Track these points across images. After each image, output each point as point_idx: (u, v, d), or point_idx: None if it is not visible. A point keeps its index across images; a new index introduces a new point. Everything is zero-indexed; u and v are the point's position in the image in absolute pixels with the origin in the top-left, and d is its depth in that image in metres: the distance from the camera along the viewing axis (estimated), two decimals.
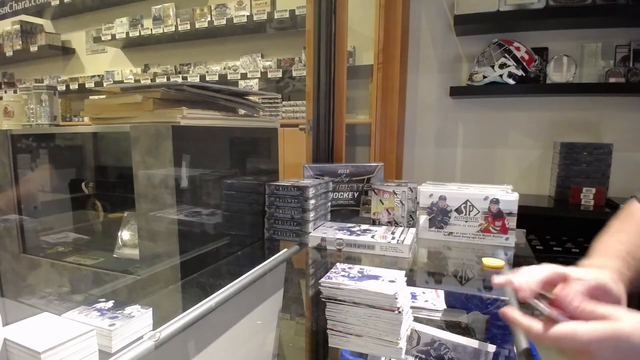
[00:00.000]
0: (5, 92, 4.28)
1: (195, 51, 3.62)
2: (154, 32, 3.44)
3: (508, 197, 1.13)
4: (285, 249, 1.07)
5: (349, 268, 0.75)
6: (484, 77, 2.35)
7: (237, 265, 1.15)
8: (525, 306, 0.56)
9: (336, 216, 1.42)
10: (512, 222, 1.14)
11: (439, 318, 0.81)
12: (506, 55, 2.30)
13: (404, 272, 0.74)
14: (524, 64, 2.28)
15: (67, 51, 4.29)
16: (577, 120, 2.43)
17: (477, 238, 1.17)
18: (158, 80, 3.62)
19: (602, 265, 0.59)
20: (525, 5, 2.24)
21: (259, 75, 3.19)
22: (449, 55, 2.67)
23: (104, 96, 1.25)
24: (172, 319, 0.63)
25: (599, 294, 0.51)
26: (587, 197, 2.18)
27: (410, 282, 1.04)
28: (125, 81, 3.81)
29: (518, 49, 2.29)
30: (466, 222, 1.18)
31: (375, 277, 0.72)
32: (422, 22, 2.71)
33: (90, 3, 3.90)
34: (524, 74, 2.30)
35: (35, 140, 1.41)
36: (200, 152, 1.09)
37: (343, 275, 0.72)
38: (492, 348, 0.70)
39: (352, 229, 1.22)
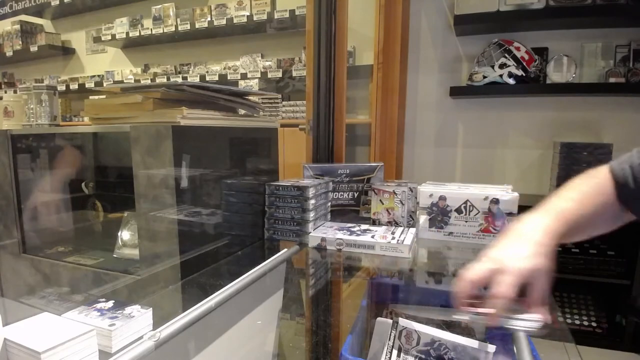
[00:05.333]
0: (5, 92, 4.28)
1: (195, 51, 3.62)
2: (154, 32, 3.44)
3: (508, 197, 1.13)
4: (285, 249, 1.07)
5: None
6: (484, 77, 2.35)
7: (237, 265, 1.15)
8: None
9: (336, 216, 1.42)
10: (512, 222, 1.14)
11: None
12: (506, 55, 2.30)
13: None
14: (524, 64, 2.29)
15: (67, 51, 4.29)
16: (577, 120, 2.43)
17: (477, 238, 1.17)
18: (158, 80, 3.62)
19: (536, 223, 0.68)
20: (525, 5, 2.24)
21: (259, 75, 3.19)
22: (449, 55, 2.67)
23: (104, 96, 1.25)
24: (172, 319, 0.63)
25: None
26: None
27: (411, 282, 1.04)
28: (125, 81, 3.81)
29: (518, 49, 2.29)
30: (466, 222, 1.17)
31: None
32: (422, 22, 2.71)
33: (90, 3, 3.90)
34: (524, 74, 2.30)
35: (35, 140, 1.41)
36: (200, 152, 1.09)
37: None
38: (492, 348, 0.70)
39: (352, 229, 1.22)
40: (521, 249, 0.63)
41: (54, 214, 1.48)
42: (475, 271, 0.64)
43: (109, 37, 3.68)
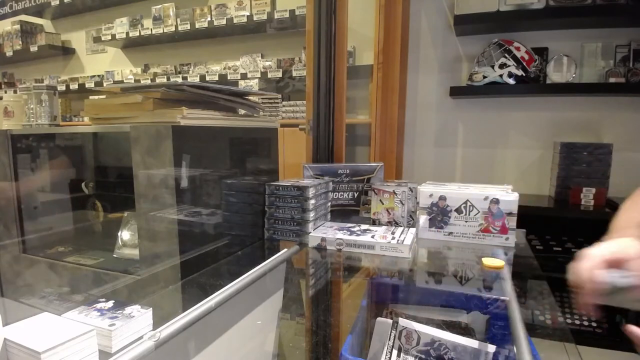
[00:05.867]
0: (5, 92, 4.29)
1: (195, 51, 3.62)
2: (154, 32, 3.44)
3: (508, 197, 1.13)
4: (285, 249, 1.07)
5: None
6: (484, 77, 2.35)
7: (237, 265, 1.15)
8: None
9: (336, 216, 1.42)
10: (512, 222, 1.14)
11: None
12: (506, 55, 2.30)
13: None
14: (524, 64, 2.28)
15: (67, 51, 4.29)
16: (577, 120, 2.43)
17: (477, 238, 1.17)
18: (158, 80, 3.62)
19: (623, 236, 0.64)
20: (525, 5, 2.24)
21: (259, 75, 3.19)
22: (449, 55, 2.67)
23: (104, 96, 1.25)
24: (172, 319, 0.63)
25: None
26: (587, 197, 2.18)
27: (411, 282, 1.04)
28: (125, 81, 3.81)
29: (518, 49, 2.29)
30: (466, 222, 1.17)
31: None
32: (422, 22, 2.71)
33: (90, 3, 3.90)
34: (524, 74, 2.30)
35: (35, 140, 1.41)
36: (200, 152, 1.09)
37: None
38: (492, 348, 0.70)
39: (352, 229, 1.22)
40: None
41: (53, 214, 1.48)
42: (605, 250, 0.61)
43: (109, 37, 3.68)
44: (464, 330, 0.85)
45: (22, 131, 1.41)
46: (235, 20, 3.11)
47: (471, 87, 2.42)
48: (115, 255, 1.31)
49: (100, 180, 1.52)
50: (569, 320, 2.17)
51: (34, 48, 4.11)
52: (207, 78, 3.37)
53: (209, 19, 3.22)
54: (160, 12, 3.42)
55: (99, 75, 3.99)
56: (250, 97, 1.32)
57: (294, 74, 3.04)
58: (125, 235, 1.33)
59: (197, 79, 3.41)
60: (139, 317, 0.64)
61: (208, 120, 1.11)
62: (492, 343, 0.72)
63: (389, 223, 1.30)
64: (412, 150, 2.82)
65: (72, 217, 1.53)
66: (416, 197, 1.27)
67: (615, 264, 0.59)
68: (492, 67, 2.33)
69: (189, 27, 3.30)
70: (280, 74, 3.13)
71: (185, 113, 1.01)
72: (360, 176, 1.45)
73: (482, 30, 2.49)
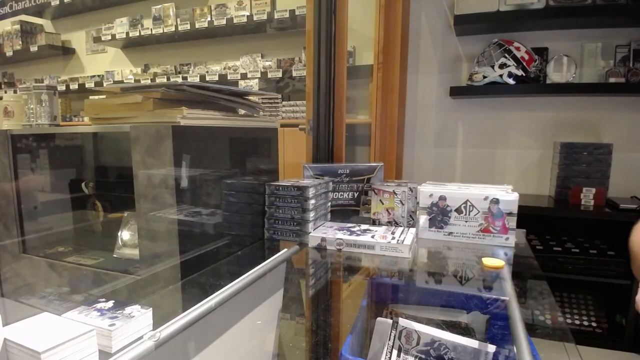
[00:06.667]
0: (5, 92, 4.29)
1: (195, 51, 3.62)
2: (154, 32, 3.44)
3: (508, 197, 1.13)
4: (285, 249, 1.07)
5: None
6: (484, 77, 2.35)
7: (237, 265, 1.15)
8: None
9: (336, 216, 1.42)
10: (512, 222, 1.14)
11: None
12: (506, 55, 2.30)
13: None
14: (524, 64, 2.29)
15: (67, 51, 4.29)
16: (577, 120, 2.43)
17: (477, 238, 1.17)
18: (158, 80, 3.62)
19: None
20: (525, 5, 2.24)
21: (259, 75, 3.19)
22: (449, 55, 2.67)
23: (104, 96, 1.25)
24: (172, 319, 0.63)
25: None
26: (587, 197, 2.18)
27: (411, 282, 1.04)
28: (125, 81, 3.81)
29: (518, 49, 2.29)
30: (466, 222, 1.17)
31: None
32: (422, 22, 2.71)
33: (90, 3, 3.90)
34: (524, 74, 2.30)
35: (35, 140, 1.41)
36: (200, 152, 1.09)
37: None
38: (492, 348, 0.70)
39: (352, 229, 1.22)
40: None
41: (53, 214, 1.48)
42: None
43: (109, 37, 3.68)
44: (464, 330, 0.85)
45: (22, 131, 1.41)
46: (235, 20, 3.11)
47: (471, 87, 2.42)
48: (115, 255, 1.31)
49: (100, 180, 1.52)
50: (569, 320, 2.17)
51: (34, 48, 4.11)
52: (207, 78, 3.37)
53: (209, 19, 3.22)
54: (160, 12, 3.42)
55: (99, 75, 3.99)
56: (250, 97, 1.32)
57: (294, 74, 3.04)
58: (125, 235, 1.33)
59: (197, 79, 3.41)
60: (139, 317, 0.64)
61: (208, 120, 1.11)
62: (492, 343, 0.72)
63: (389, 223, 1.30)
64: (412, 150, 2.83)
65: (72, 217, 1.53)
66: (416, 197, 1.27)
67: None
68: (492, 67, 2.33)
69: (189, 27, 3.30)
70: (280, 74, 3.13)
71: (185, 113, 1.01)
72: (360, 176, 1.45)
73: (482, 30, 2.49)
